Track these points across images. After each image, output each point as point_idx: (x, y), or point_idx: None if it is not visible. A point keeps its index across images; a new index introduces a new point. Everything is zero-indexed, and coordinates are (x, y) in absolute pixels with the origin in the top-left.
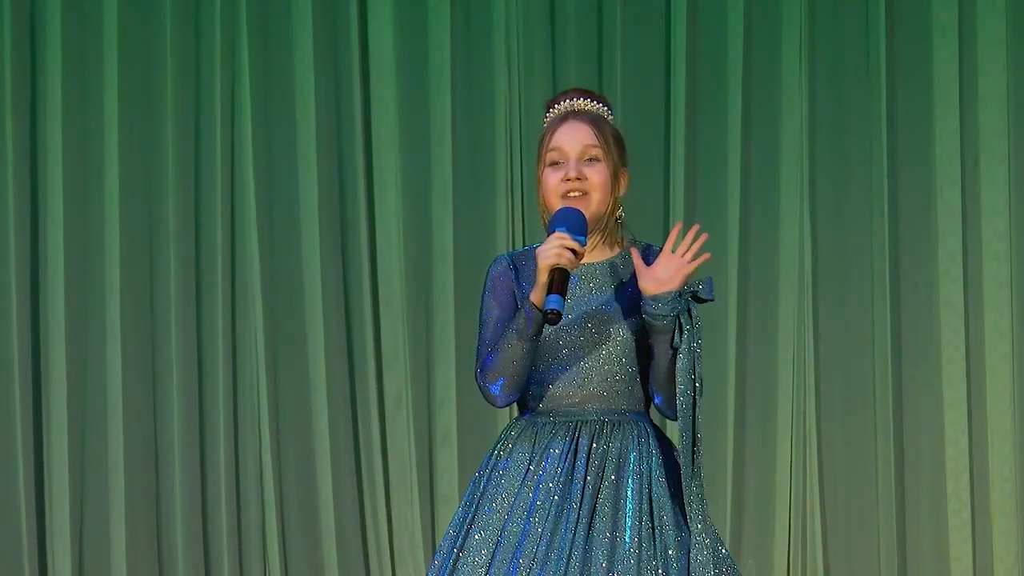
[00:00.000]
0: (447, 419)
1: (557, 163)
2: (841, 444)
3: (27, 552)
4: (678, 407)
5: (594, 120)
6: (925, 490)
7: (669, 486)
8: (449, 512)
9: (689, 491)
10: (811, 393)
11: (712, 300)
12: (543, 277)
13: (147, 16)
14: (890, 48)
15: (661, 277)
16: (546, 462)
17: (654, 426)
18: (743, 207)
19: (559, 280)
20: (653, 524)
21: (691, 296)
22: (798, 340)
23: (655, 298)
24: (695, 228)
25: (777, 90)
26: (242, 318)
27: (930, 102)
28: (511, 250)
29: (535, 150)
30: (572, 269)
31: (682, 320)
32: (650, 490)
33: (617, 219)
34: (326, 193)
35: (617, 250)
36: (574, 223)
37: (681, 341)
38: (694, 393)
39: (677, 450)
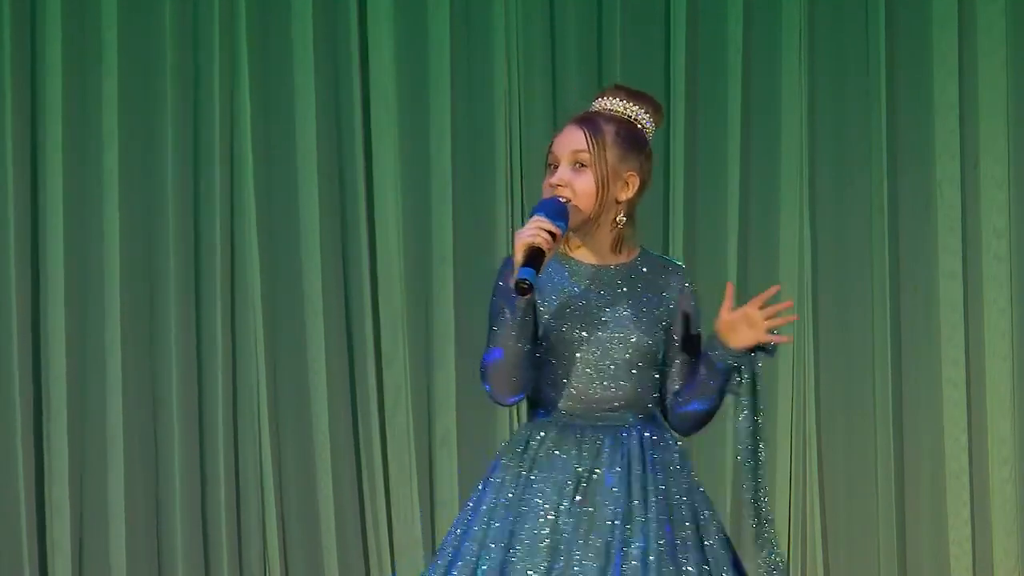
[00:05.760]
0: (447, 418)
1: (553, 167)
2: (841, 444)
3: (27, 551)
4: (741, 462)
5: (593, 124)
6: (925, 490)
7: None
8: (449, 513)
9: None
10: (811, 393)
11: (772, 356)
12: (519, 256)
13: (146, 16)
14: (890, 47)
15: (737, 331)
16: (598, 470)
17: (676, 434)
18: (743, 207)
19: (533, 256)
20: (700, 535)
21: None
22: (798, 340)
23: (725, 348)
24: (788, 304)
25: (777, 90)
26: (242, 318)
27: (930, 101)
28: (511, 251)
29: (535, 150)
30: (548, 250)
31: (743, 370)
32: (695, 507)
33: (615, 223)
34: (326, 192)
35: (626, 255)
36: (551, 210)
37: (737, 390)
38: (757, 452)
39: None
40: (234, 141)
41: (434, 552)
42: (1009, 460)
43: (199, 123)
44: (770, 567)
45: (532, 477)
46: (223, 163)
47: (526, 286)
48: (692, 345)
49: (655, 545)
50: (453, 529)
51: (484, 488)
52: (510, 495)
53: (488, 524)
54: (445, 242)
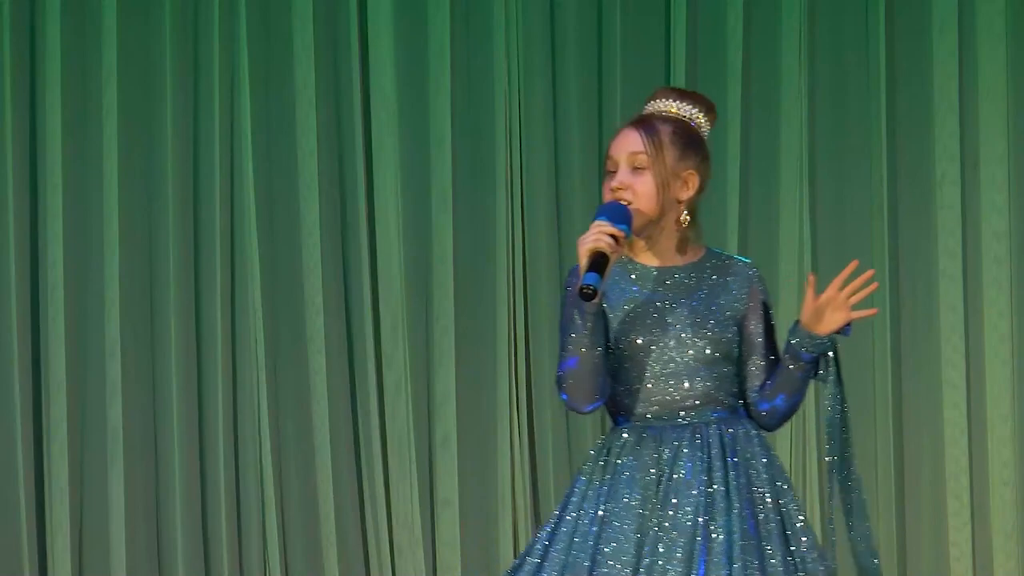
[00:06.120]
0: (447, 419)
1: (611, 172)
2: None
3: (27, 551)
4: (827, 446)
5: (648, 125)
6: (925, 491)
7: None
8: (450, 514)
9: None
10: (811, 393)
11: (848, 336)
12: (583, 262)
13: (147, 16)
14: (890, 47)
15: (823, 317)
16: (678, 472)
17: (756, 427)
18: (743, 207)
19: (596, 262)
20: (786, 536)
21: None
22: None
23: (810, 335)
24: (868, 274)
25: (777, 90)
26: (242, 318)
27: (930, 101)
28: (512, 251)
29: (535, 150)
30: (612, 255)
31: (828, 356)
32: (778, 498)
33: (678, 223)
34: (326, 193)
35: (692, 255)
36: (613, 213)
37: (827, 378)
38: (847, 438)
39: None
40: (234, 141)
41: (435, 551)
42: (1009, 462)
43: (199, 123)
44: (862, 547)
45: (614, 483)
46: (223, 163)
47: (590, 291)
48: (769, 337)
49: (738, 538)
50: (536, 539)
51: (567, 502)
52: (594, 506)
53: (573, 532)
54: (445, 242)
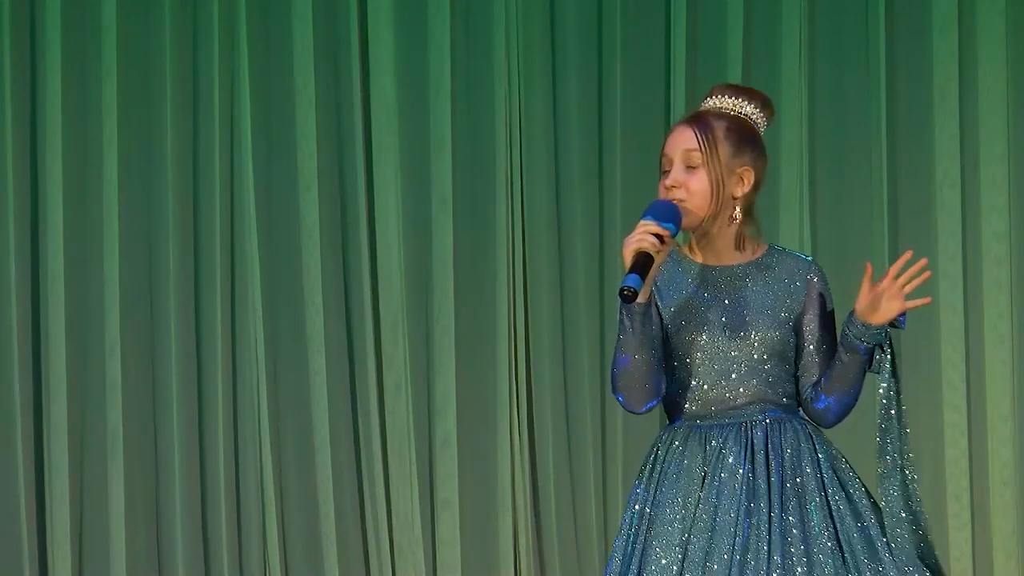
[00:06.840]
0: (447, 419)
1: (666, 171)
2: (842, 446)
3: (27, 551)
4: (882, 443)
5: (702, 122)
6: (925, 492)
7: (841, 483)
8: (450, 514)
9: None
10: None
11: (903, 329)
12: (626, 262)
13: (147, 16)
14: (890, 48)
15: (878, 307)
16: (721, 469)
17: (810, 423)
18: None
19: (639, 262)
20: (835, 528)
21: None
22: None
23: (865, 325)
24: (922, 263)
25: (777, 90)
26: (242, 318)
27: (930, 102)
28: (512, 251)
29: (535, 151)
30: (657, 255)
31: (884, 347)
32: (825, 491)
33: (731, 219)
34: (326, 193)
35: (751, 252)
36: (660, 212)
37: (881, 368)
38: (902, 433)
39: (834, 447)
40: (234, 141)
41: (435, 551)
42: (1009, 462)
43: (199, 123)
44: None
45: (661, 488)
46: (223, 163)
47: (630, 293)
48: (826, 334)
49: (779, 540)
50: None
51: (627, 506)
52: (642, 507)
53: (627, 537)
54: (445, 242)
